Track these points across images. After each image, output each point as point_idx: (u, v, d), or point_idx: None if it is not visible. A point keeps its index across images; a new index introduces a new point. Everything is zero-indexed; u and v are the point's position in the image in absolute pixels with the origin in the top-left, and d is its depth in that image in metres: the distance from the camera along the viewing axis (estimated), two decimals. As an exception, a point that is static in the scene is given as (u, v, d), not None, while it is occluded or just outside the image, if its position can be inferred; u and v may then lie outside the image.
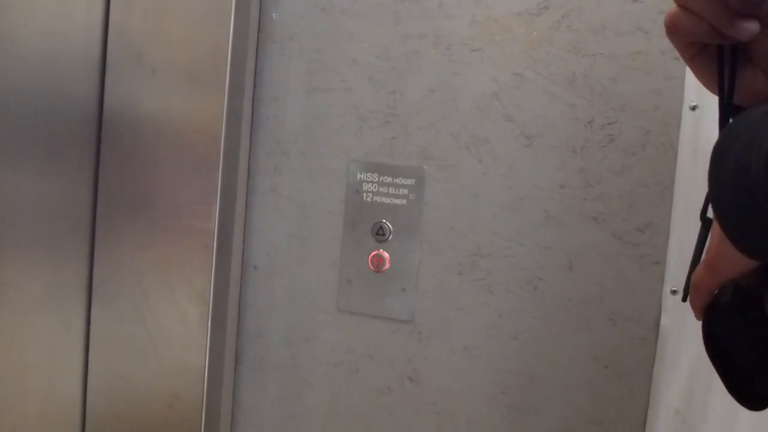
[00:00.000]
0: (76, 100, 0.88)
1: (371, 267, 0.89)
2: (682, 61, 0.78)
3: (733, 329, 0.46)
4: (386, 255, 0.88)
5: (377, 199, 0.89)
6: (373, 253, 0.89)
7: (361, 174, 0.89)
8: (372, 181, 0.89)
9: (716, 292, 0.46)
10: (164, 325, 0.87)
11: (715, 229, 0.44)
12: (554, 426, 0.84)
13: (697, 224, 0.48)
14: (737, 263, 0.43)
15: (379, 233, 0.88)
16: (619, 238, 0.80)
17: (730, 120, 0.43)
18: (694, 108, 0.76)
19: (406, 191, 0.87)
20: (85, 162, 0.88)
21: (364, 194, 0.89)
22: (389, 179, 0.88)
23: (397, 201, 0.88)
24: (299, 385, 0.94)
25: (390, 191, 0.88)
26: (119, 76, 0.86)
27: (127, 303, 0.88)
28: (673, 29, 0.42)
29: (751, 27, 0.39)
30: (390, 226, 0.88)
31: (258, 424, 0.96)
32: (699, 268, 0.47)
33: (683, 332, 0.80)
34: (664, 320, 0.78)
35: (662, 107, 0.78)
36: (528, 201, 0.83)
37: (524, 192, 0.83)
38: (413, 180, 0.87)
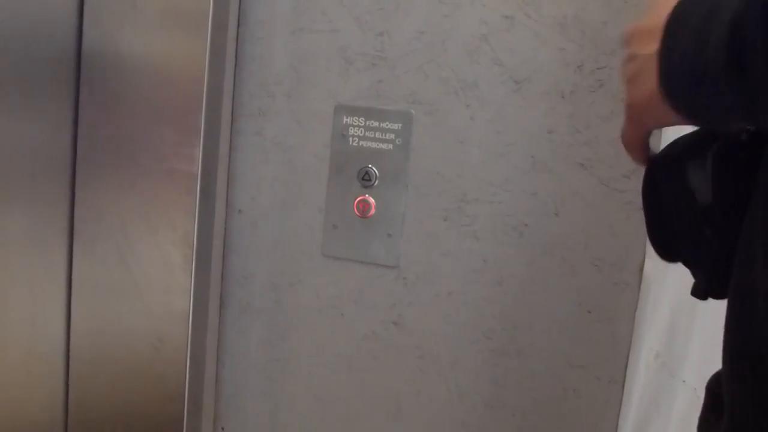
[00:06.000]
0: (53, 36, 0.85)
1: (357, 212, 0.89)
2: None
3: (671, 179, 0.47)
4: (372, 200, 0.88)
5: (363, 143, 0.88)
6: (359, 198, 0.88)
7: (347, 118, 0.88)
8: (358, 126, 0.87)
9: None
10: (147, 268, 0.87)
11: (644, 84, 0.44)
12: (537, 369, 0.85)
13: None
14: (662, 118, 0.44)
15: (365, 178, 0.87)
16: (606, 184, 0.80)
17: None
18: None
19: (392, 136, 0.86)
20: (64, 101, 0.86)
21: (350, 138, 0.88)
22: (376, 123, 0.87)
23: (384, 146, 0.87)
24: (284, 329, 0.94)
25: (376, 136, 0.87)
26: (99, 10, 0.83)
27: (109, 245, 0.87)
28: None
29: None
30: (376, 171, 0.87)
31: (243, 367, 0.97)
32: (624, 126, 0.49)
33: (666, 278, 0.80)
34: (648, 266, 0.79)
35: (653, 52, 0.77)
36: (515, 147, 0.83)
37: (512, 137, 0.83)
38: (400, 124, 0.86)
